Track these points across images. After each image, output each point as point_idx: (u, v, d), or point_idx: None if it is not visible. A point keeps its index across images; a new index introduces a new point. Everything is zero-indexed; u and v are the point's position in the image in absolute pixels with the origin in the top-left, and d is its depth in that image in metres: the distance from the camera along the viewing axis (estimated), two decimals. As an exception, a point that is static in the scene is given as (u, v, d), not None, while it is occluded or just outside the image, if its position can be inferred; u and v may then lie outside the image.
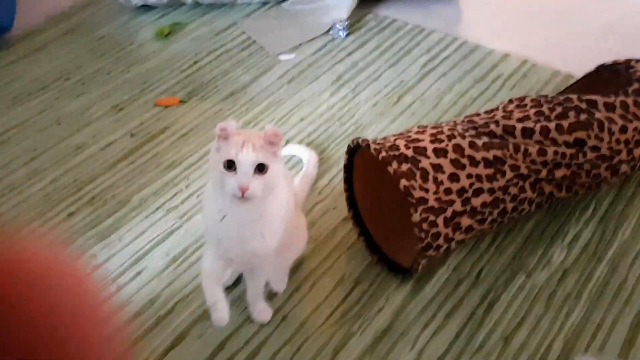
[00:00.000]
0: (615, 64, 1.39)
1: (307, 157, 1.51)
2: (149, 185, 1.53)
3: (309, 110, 1.72)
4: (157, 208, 1.47)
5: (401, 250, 1.28)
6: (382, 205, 1.32)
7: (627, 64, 1.36)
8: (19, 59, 1.99)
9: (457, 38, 1.94)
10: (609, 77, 1.36)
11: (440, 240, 1.15)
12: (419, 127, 1.26)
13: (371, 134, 1.62)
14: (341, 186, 1.47)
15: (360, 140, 1.22)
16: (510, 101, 1.31)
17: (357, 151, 1.27)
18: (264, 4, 2.15)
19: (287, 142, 1.62)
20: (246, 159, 0.96)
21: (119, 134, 1.69)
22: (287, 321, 1.22)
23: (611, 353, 1.13)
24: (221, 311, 1.10)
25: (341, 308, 1.24)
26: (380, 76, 1.82)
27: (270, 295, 1.26)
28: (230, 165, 0.97)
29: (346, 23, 1.98)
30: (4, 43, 2.03)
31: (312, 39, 1.98)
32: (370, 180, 1.31)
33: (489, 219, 1.20)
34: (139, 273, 1.33)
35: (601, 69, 1.41)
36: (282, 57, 1.92)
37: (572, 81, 1.71)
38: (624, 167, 1.29)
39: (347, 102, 1.73)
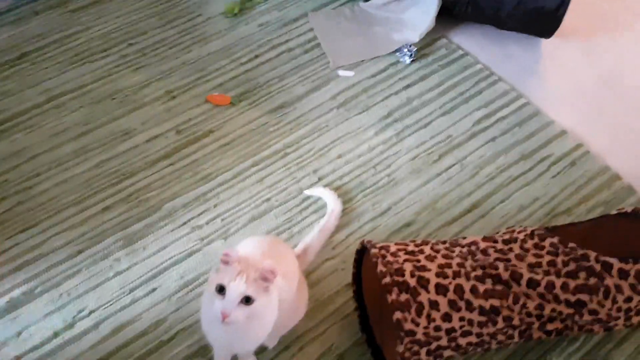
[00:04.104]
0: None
1: (332, 206, 1.57)
2: (181, 195, 1.63)
3: (349, 147, 1.74)
4: (184, 223, 1.58)
5: (388, 340, 1.37)
6: (382, 293, 1.39)
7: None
8: (88, 4, 2.03)
9: (522, 96, 1.87)
10: (631, 230, 1.34)
11: (419, 363, 1.24)
12: (433, 246, 1.30)
13: (401, 192, 1.65)
14: (354, 246, 1.55)
15: (370, 248, 1.27)
16: (532, 236, 1.33)
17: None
18: (341, -3, 2.09)
19: (320, 179, 1.67)
20: (235, 289, 1.03)
21: (166, 126, 1.76)
22: (270, 379, 1.36)
23: None
24: None
25: (319, 381, 1.37)
26: (430, 123, 1.80)
27: (261, 348, 1.39)
28: (221, 289, 1.04)
29: (414, 49, 1.92)
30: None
31: (376, 57, 1.94)
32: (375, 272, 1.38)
33: (471, 352, 1.28)
34: (153, 290, 1.47)
35: (626, 216, 1.38)
36: (341, 73, 1.90)
37: (616, 184, 1.68)
38: (619, 327, 1.33)
39: (389, 147, 1.74)
